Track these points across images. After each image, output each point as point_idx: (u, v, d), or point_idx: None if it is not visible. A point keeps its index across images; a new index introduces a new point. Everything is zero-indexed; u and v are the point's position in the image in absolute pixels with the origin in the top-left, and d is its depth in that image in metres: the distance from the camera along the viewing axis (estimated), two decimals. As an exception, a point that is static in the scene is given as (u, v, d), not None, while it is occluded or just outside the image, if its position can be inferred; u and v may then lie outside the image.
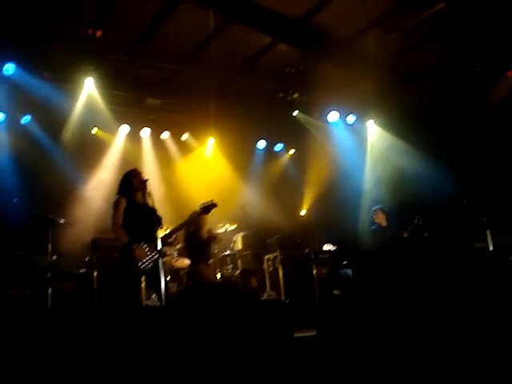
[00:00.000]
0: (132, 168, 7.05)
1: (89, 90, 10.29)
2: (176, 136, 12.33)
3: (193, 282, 9.02)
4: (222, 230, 10.73)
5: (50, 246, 7.48)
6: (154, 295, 8.20)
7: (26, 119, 10.24)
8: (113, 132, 11.41)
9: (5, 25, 8.71)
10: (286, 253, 10.52)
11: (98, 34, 9.12)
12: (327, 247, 11.12)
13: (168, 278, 8.92)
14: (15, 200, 7.63)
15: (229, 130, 12.05)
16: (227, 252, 10.82)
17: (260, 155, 13.22)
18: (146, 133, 11.89)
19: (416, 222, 9.73)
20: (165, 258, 7.65)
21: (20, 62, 9.33)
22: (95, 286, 8.89)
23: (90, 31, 9.09)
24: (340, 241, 11.32)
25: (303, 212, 13.47)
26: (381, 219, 10.33)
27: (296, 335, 4.19)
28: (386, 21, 9.63)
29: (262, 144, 13.11)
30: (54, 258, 7.88)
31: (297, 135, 13.01)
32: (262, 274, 10.68)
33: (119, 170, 10.52)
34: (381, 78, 10.24)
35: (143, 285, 6.93)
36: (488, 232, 8.76)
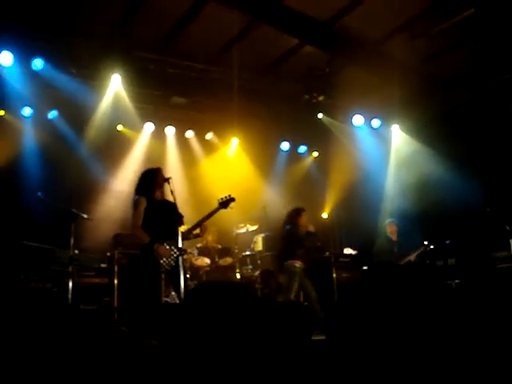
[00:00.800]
0: (151, 167, 7.12)
1: (115, 87, 10.37)
2: (200, 135, 12.38)
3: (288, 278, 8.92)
4: (243, 230, 10.75)
5: (72, 240, 7.53)
6: (173, 292, 8.24)
7: (52, 114, 10.37)
8: (138, 129, 11.49)
9: (34, 20, 8.82)
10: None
11: None
12: (348, 251, 11.08)
13: (188, 276, 8.96)
14: (39, 193, 7.69)
15: (253, 130, 12.07)
16: (247, 252, 10.84)
17: (283, 156, 13.21)
18: (170, 131, 11.95)
19: (423, 249, 9.70)
20: (185, 257, 7.71)
21: (48, 58, 9.42)
22: (115, 282, 8.96)
23: None
24: (360, 245, 11.27)
25: (325, 215, 13.44)
26: (393, 232, 10.27)
27: (314, 338, 4.19)
28: (413, 25, 9.57)
29: (285, 145, 13.09)
30: (76, 252, 7.94)
31: (321, 138, 12.98)
32: (282, 276, 10.66)
33: (143, 168, 10.54)
34: (407, 82, 10.17)
35: (163, 282, 6.96)
36: (511, 241, 8.67)
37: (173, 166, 11.74)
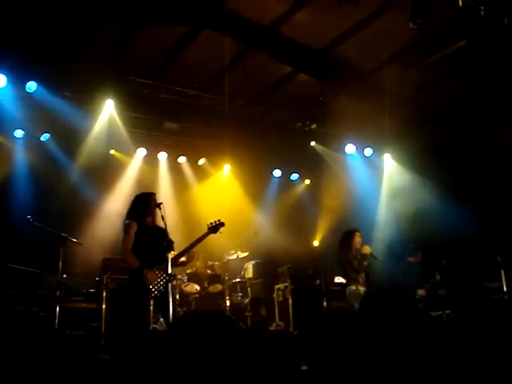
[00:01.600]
0: (143, 191, 7.13)
1: (109, 112, 10.37)
2: (192, 161, 12.35)
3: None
4: (233, 257, 10.69)
5: (60, 264, 7.46)
6: (161, 319, 8.15)
7: (45, 137, 10.32)
8: (130, 154, 11.46)
9: (30, 44, 8.84)
10: (296, 283, 10.38)
11: None
12: (338, 280, 11.01)
13: (177, 303, 8.88)
14: (29, 216, 7.64)
15: (245, 157, 12.08)
16: (237, 279, 10.76)
17: (275, 184, 13.19)
18: (162, 156, 11.93)
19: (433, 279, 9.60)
20: (175, 282, 7.65)
21: (42, 81, 9.43)
22: (103, 307, 8.86)
23: None
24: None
25: (316, 243, 13.39)
26: (418, 260, 10.11)
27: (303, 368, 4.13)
28: (406, 56, 9.68)
29: (277, 173, 13.10)
30: (65, 276, 7.86)
31: (313, 166, 13.00)
32: (272, 304, 10.57)
33: (135, 192, 10.53)
34: (399, 112, 10.25)
35: (151, 308, 6.90)
36: (502, 272, 8.66)
37: (164, 192, 11.70)
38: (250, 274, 11.17)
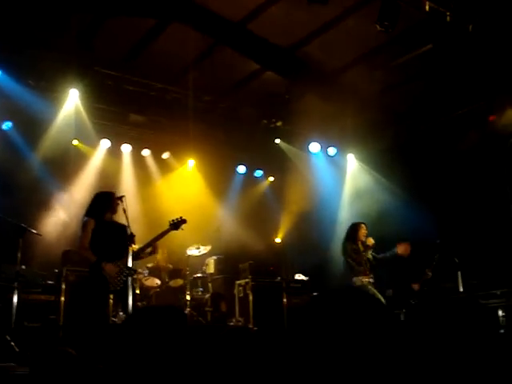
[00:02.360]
0: (105, 190, 7.23)
1: (73, 102, 10.25)
2: (156, 154, 12.30)
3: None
4: (195, 251, 10.66)
5: (19, 255, 7.36)
6: (121, 312, 8.11)
7: (7, 125, 10.15)
8: (93, 145, 11.33)
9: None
10: (257, 279, 10.44)
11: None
12: (299, 277, 11.10)
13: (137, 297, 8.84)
14: (-13, 206, 7.52)
15: (209, 152, 12.07)
16: (199, 274, 10.76)
17: (239, 180, 13.22)
18: (126, 149, 11.83)
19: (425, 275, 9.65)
20: (135, 276, 7.62)
21: (6, 68, 9.28)
22: (62, 299, 8.76)
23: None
24: (312, 271, 11.31)
25: (278, 239, 13.47)
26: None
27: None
28: (372, 57, 9.79)
29: (241, 169, 13.12)
30: (23, 267, 7.76)
31: (277, 163, 13.06)
32: (232, 299, 10.61)
33: (97, 184, 10.46)
34: (363, 113, 10.37)
35: (110, 301, 6.87)
36: (459, 273, 8.83)
37: (127, 184, 11.63)
38: (211, 269, 11.18)
